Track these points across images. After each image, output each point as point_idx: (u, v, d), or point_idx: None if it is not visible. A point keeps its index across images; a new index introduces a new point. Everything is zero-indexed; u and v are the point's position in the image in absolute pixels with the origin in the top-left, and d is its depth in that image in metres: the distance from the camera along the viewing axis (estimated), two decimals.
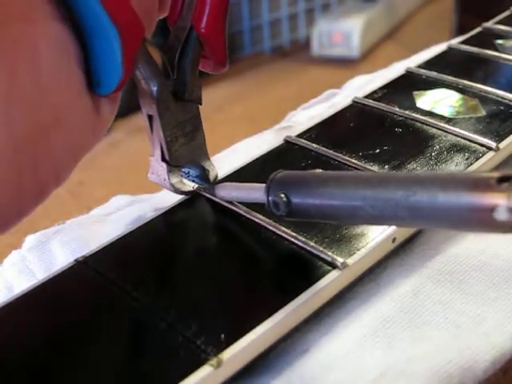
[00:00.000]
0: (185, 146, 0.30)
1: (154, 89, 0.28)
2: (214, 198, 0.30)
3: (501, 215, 0.18)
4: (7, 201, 0.22)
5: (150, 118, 0.29)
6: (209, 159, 0.31)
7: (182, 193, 0.30)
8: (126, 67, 0.24)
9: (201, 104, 0.30)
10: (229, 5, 0.28)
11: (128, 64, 0.24)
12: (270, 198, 0.25)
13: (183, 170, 0.31)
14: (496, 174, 0.19)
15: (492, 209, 0.19)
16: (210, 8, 0.28)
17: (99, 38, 0.23)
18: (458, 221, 0.20)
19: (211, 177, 0.31)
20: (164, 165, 0.30)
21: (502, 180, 0.19)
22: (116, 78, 0.24)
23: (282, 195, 0.24)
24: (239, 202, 0.29)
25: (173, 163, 0.30)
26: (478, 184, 0.19)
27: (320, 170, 0.31)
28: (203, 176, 0.31)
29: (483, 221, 0.19)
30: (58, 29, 0.22)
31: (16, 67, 0.21)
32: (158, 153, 0.30)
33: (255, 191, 0.27)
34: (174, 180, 0.30)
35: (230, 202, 0.29)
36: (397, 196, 0.21)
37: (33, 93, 0.21)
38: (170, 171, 0.30)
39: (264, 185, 0.26)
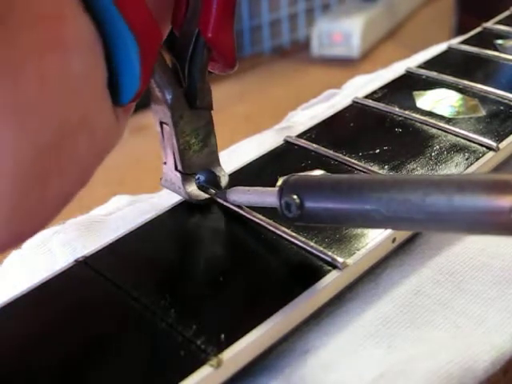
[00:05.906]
0: (198, 153, 0.29)
1: (169, 97, 0.27)
2: (213, 198, 0.30)
3: None
4: (30, 208, 0.21)
5: (163, 125, 0.28)
6: (220, 165, 0.30)
7: (198, 201, 0.30)
8: (143, 78, 0.22)
9: (212, 109, 0.29)
10: (236, 4, 0.26)
11: (146, 74, 0.22)
12: (283, 200, 0.25)
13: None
14: None
15: (511, 210, 0.18)
16: (216, 12, 0.26)
17: (117, 46, 0.22)
18: (474, 223, 0.20)
19: (222, 183, 0.30)
20: (178, 174, 0.29)
21: None
22: (133, 89, 0.22)
23: (295, 196, 0.24)
24: None
25: (186, 171, 0.29)
26: (496, 185, 0.19)
27: (320, 171, 0.31)
28: (215, 182, 0.30)
29: (501, 223, 0.19)
30: (86, 25, 0.21)
31: (47, 67, 0.20)
32: (170, 161, 0.29)
33: (267, 195, 0.26)
34: (190, 188, 0.29)
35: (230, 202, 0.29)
36: (412, 198, 0.21)
37: (63, 92, 0.21)
38: (184, 180, 0.29)
39: (277, 188, 0.25)
